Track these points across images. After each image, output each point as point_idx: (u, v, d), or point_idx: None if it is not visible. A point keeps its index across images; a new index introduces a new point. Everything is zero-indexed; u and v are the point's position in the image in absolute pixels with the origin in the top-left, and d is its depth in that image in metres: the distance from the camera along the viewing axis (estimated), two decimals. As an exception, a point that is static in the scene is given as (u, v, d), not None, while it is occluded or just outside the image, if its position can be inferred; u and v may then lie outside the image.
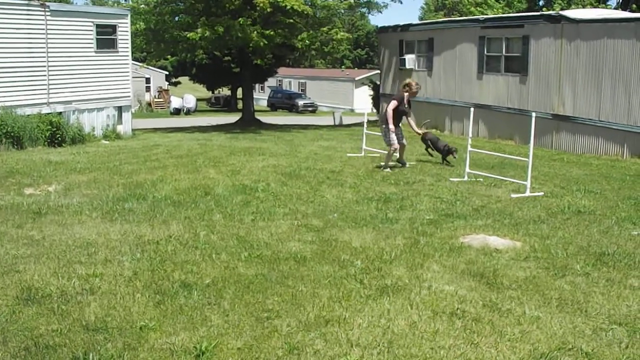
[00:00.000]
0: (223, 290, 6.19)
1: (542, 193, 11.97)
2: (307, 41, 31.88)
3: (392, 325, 5.44)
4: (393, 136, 14.09)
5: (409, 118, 14.79)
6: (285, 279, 6.57)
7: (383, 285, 6.40)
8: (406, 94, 14.36)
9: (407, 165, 14.64)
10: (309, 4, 31.51)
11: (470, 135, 13.71)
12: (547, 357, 4.97)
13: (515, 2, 47.19)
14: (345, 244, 7.94)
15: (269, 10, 28.61)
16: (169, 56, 47.99)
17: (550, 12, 23.96)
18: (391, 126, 14.03)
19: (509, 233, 8.75)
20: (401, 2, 33.41)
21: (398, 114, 14.26)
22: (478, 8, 47.32)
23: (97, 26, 25.14)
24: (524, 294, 6.34)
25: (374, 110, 35.63)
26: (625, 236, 8.96)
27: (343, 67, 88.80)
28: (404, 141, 14.66)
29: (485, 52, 25.13)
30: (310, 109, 68.33)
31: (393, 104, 14.16)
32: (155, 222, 8.92)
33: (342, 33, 33.78)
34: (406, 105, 14.43)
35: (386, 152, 14.56)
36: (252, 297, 6.04)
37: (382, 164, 14.42)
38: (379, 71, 34.41)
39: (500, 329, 5.45)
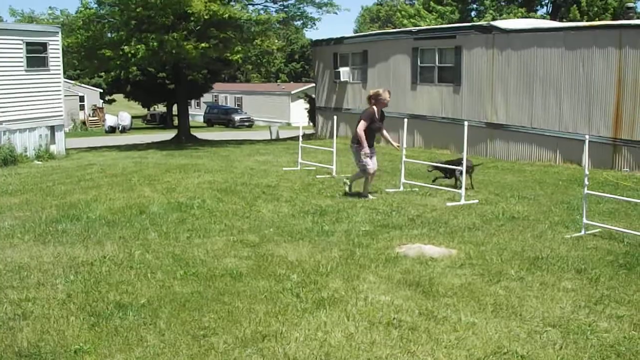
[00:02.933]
0: (159, 310, 6.11)
1: (477, 201, 12.12)
2: (241, 55, 31.76)
3: (329, 338, 5.44)
4: (367, 160, 12.07)
5: (384, 132, 12.54)
6: (221, 295, 6.51)
7: (319, 298, 6.38)
8: (375, 108, 12.15)
9: (370, 198, 12.23)
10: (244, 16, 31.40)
11: (405, 145, 13.76)
12: (483, 362, 5.02)
13: (447, 14, 47.83)
14: (282, 258, 7.91)
15: (205, 18, 28.31)
16: (102, 73, 47.45)
17: (482, 22, 24.40)
18: (365, 149, 11.98)
19: (444, 241, 8.83)
20: (336, 13, 33.40)
21: (371, 131, 12.18)
22: (411, 20, 47.85)
23: (27, 44, 24.63)
24: (459, 301, 6.40)
25: (311, 124, 35.69)
26: (558, 240, 9.14)
27: (279, 81, 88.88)
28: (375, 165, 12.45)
29: (419, 63, 25.38)
30: (246, 123, 68.16)
31: (362, 124, 11.99)
32: (90, 243, 8.76)
33: (277, 42, 33.74)
34: (378, 119, 12.23)
35: (362, 177, 12.54)
36: (188, 315, 5.97)
37: (361, 191, 12.39)
38: (314, 84, 34.51)
39: (436, 337, 5.49)
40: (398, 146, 13.09)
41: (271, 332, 5.56)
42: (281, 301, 6.34)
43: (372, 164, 12.20)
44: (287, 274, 7.24)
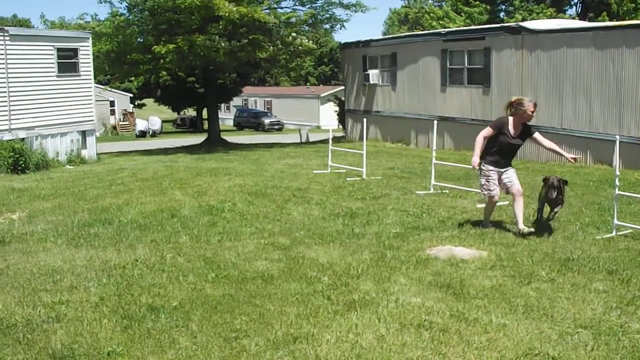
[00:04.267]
0: (191, 312, 6.16)
1: (507, 202, 12.04)
2: (270, 53, 31.79)
3: (360, 340, 5.45)
4: (483, 180, 9.75)
5: (545, 144, 9.91)
6: (252, 298, 6.55)
7: (350, 300, 6.40)
8: (512, 118, 9.57)
9: (489, 227, 9.84)
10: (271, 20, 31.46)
11: (435, 147, 13.76)
12: (514, 363, 5.02)
13: (476, 15, 47.65)
14: (312, 260, 7.94)
15: (236, 19, 28.42)
16: (133, 78, 47.81)
17: (510, 23, 24.31)
18: (473, 162, 9.70)
19: (475, 243, 8.83)
20: (363, 12, 33.29)
21: (501, 148, 9.62)
22: (440, 22, 47.74)
23: (58, 50, 24.94)
24: (490, 303, 6.40)
25: (340, 127, 35.69)
26: (589, 241, 9.09)
27: (308, 84, 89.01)
28: (513, 183, 9.72)
29: (448, 64, 25.30)
30: (276, 127, 68.35)
31: (484, 131, 9.77)
32: (121, 247, 8.86)
33: (307, 42, 33.74)
34: (513, 134, 9.55)
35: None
36: (220, 317, 6.02)
37: (484, 222, 10.06)
38: (343, 87, 34.55)
39: (467, 338, 5.49)
40: (573, 158, 10.36)
41: (302, 334, 5.59)
42: (312, 303, 6.37)
43: (492, 187, 9.67)
44: (318, 276, 7.28)
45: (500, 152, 9.62)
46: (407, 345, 5.36)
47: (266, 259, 8.07)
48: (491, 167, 9.61)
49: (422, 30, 40.44)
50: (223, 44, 28.85)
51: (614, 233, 9.49)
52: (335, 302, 6.40)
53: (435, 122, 13.98)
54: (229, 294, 6.68)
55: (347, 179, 14.95)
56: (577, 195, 13.21)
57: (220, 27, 29.36)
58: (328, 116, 56.41)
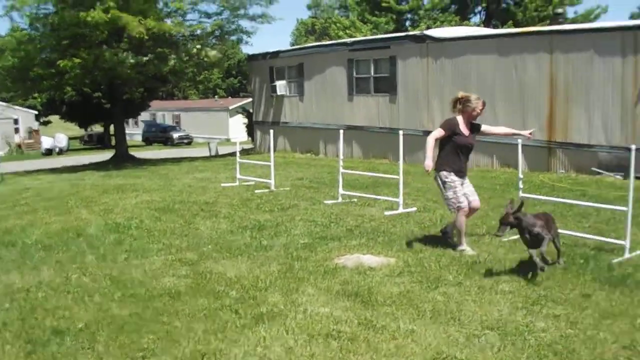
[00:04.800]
0: (97, 334, 6.00)
1: (415, 208, 12.23)
2: (175, 64, 31.43)
3: (269, 353, 5.41)
4: (450, 193, 8.97)
5: (495, 130, 9.91)
6: (159, 315, 6.43)
7: (258, 314, 6.35)
8: (461, 118, 9.05)
9: (467, 252, 8.83)
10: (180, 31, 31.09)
11: (342, 157, 13.80)
12: (423, 369, 5.05)
13: (382, 24, 48.26)
14: (220, 275, 7.85)
15: (145, 37, 27.99)
16: (37, 95, 46.61)
17: (415, 32, 24.69)
18: (426, 166, 8.92)
19: (383, 250, 8.88)
20: (269, 23, 33.18)
21: (456, 150, 9.00)
22: (347, 31, 48.16)
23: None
24: (398, 309, 6.43)
25: (250, 139, 35.59)
26: (495, 243, 9.24)
27: (217, 96, 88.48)
28: (474, 197, 9.22)
29: (355, 74, 25.53)
30: (185, 141, 67.69)
31: (435, 132, 9.06)
32: (25, 269, 8.57)
33: (213, 53, 33.44)
34: (467, 133, 9.04)
35: None
36: (127, 337, 5.88)
37: (458, 244, 9.06)
38: (252, 99, 34.45)
39: (375, 346, 5.50)
40: (531, 134, 9.74)
41: (210, 350, 5.51)
42: (220, 318, 6.28)
43: (462, 199, 8.97)
44: (226, 290, 7.19)
45: (459, 155, 8.99)
46: (315, 355, 5.33)
47: (173, 275, 7.94)
48: (456, 178, 8.94)
49: (329, 41, 40.62)
50: (131, 59, 28.39)
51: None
52: (243, 316, 6.33)
53: (342, 131, 14.00)
54: (136, 313, 6.54)
55: (256, 191, 14.89)
56: (484, 199, 13.35)
57: (126, 40, 28.91)
58: (237, 128, 56.14)
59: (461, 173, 9.05)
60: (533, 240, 7.57)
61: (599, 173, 17.91)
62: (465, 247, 8.92)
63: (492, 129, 9.70)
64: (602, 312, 6.37)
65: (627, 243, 8.68)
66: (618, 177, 16.60)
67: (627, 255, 8.55)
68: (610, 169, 17.66)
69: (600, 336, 5.74)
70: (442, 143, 8.98)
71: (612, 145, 17.94)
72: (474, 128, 9.14)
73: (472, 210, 9.18)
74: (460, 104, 9.01)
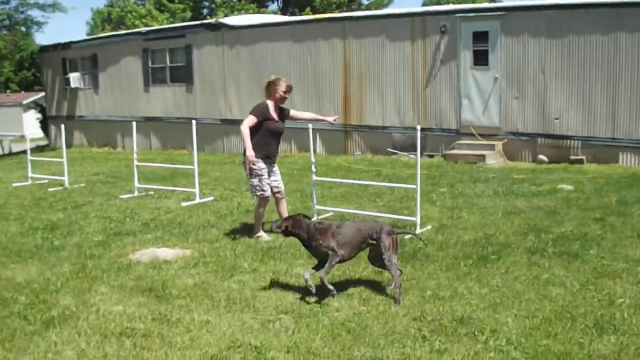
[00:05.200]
0: None
1: (212, 198, 12.23)
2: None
3: (60, 358, 5.23)
4: (256, 180, 8.97)
5: (303, 115, 10.08)
6: (-60, 331, 6.05)
7: (49, 318, 6.10)
8: (270, 102, 9.05)
9: (263, 238, 9.01)
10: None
11: (136, 149, 13.52)
12: (218, 358, 5.07)
13: (179, 12, 47.72)
14: (9, 280, 7.47)
15: None
16: None
17: (210, 20, 24.59)
18: (249, 154, 8.78)
19: (178, 242, 8.83)
20: (63, 12, 32.02)
21: (268, 136, 9.02)
22: (143, 20, 47.27)
23: None
24: (193, 301, 6.41)
25: (45, 135, 34.17)
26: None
27: (9, 91, 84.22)
28: (280, 187, 9.32)
29: (150, 64, 25.05)
30: (-25, 140, 64.19)
31: (247, 120, 8.90)
32: None
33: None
34: (277, 117, 9.08)
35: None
36: None
37: (255, 231, 9.18)
38: (45, 93, 33.04)
39: (170, 340, 5.45)
40: (334, 120, 10.01)
41: (-3, 362, 5.27)
42: (8, 326, 5.98)
43: (266, 187, 9.03)
44: (15, 296, 6.85)
45: (270, 140, 8.99)
46: (108, 356, 5.21)
47: (-46, 287, 7.50)
48: (263, 165, 8.91)
49: (125, 30, 39.64)
50: None
51: (315, 218, 9.90)
52: (33, 322, 6.07)
53: (134, 123, 13.68)
54: None
55: (49, 189, 14.30)
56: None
57: None
58: (32, 124, 53.82)
59: (270, 160, 9.07)
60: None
61: (393, 153, 18.64)
62: (261, 233, 9.05)
63: (300, 114, 9.81)
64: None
65: (417, 219, 9.09)
66: (412, 156, 17.33)
67: (418, 230, 8.96)
68: (405, 149, 18.42)
69: (392, 310, 5.98)
70: (252, 129, 8.84)
71: (405, 127, 18.71)
72: (283, 113, 9.17)
73: (279, 199, 9.29)
74: (270, 88, 9.03)
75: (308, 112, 10.43)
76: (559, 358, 4.85)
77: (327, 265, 6.39)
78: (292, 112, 9.42)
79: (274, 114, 8.98)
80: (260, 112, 8.91)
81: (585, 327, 5.41)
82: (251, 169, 8.87)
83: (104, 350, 5.33)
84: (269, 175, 9.07)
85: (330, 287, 6.33)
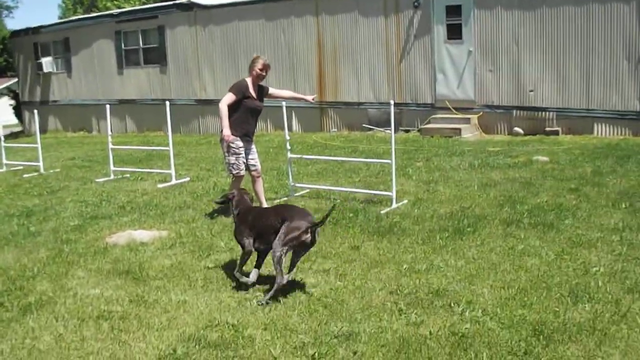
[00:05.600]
0: None
1: (189, 178, 12.21)
2: None
3: (38, 344, 5.21)
4: (232, 158, 8.90)
5: (281, 93, 9.99)
6: None
7: (26, 304, 6.08)
8: (249, 79, 9.01)
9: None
10: None
11: (110, 132, 13.48)
12: (195, 337, 5.07)
13: (151, -8, 47.25)
14: (-16, 268, 7.45)
15: None
16: None
17: (183, 0, 24.36)
18: (225, 131, 8.66)
19: (155, 224, 8.82)
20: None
21: (245, 113, 8.93)
22: (115, 2, 46.80)
23: None
24: (170, 282, 6.41)
25: (19, 121, 33.86)
26: (268, 205, 9.38)
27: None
28: (257, 165, 9.27)
29: (123, 46, 24.88)
30: (-51, 128, 63.47)
31: (226, 97, 8.76)
32: None
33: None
34: (255, 95, 9.05)
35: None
36: None
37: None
38: (17, 78, 32.71)
39: (147, 321, 5.46)
40: (313, 99, 9.97)
41: (-25, 348, 5.24)
42: (-15, 314, 5.98)
43: (242, 166, 8.97)
44: (-8, 284, 6.84)
45: (249, 118, 8.93)
46: (86, 339, 5.21)
47: None
48: (240, 144, 8.83)
49: (97, 12, 39.21)
50: None
51: (291, 195, 9.93)
52: (9, 308, 6.04)
53: (108, 106, 13.59)
54: None
55: (24, 175, 14.19)
56: (257, 163, 13.63)
57: None
58: (5, 111, 53.33)
59: (248, 137, 9.02)
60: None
61: (369, 129, 18.65)
62: None
63: (279, 92, 9.75)
64: (370, 261, 6.69)
65: (393, 194, 9.13)
66: (387, 131, 17.33)
67: (394, 205, 9.01)
68: (381, 125, 18.44)
69: (369, 285, 6.01)
70: (230, 107, 8.72)
71: (380, 102, 18.73)
72: (262, 91, 9.12)
73: (255, 178, 9.22)
74: (254, 64, 8.94)
75: (287, 90, 10.31)
76: (534, 327, 4.89)
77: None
78: (271, 90, 9.39)
79: (252, 92, 8.91)
80: (239, 89, 8.82)
81: (561, 296, 5.47)
82: (229, 147, 8.79)
83: (81, 333, 5.32)
84: (247, 154, 9.00)
85: (245, 279, 6.14)
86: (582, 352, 4.51)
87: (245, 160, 8.98)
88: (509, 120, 16.85)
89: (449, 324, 5.05)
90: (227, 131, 8.60)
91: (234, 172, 8.90)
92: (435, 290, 5.76)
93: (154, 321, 5.45)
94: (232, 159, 8.85)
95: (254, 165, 9.16)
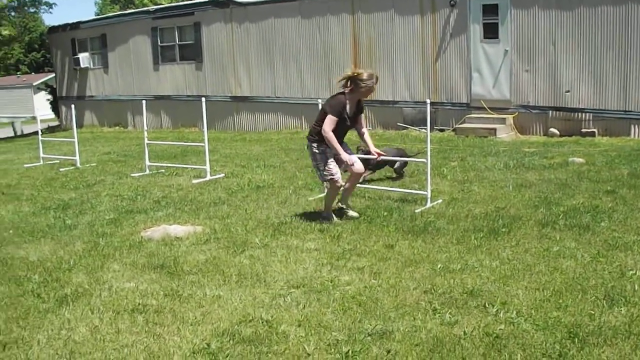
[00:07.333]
0: None
1: (223, 174, 12.26)
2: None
3: (74, 335, 5.26)
4: (331, 165, 8.23)
5: (363, 131, 8.62)
6: (-45, 309, 6.11)
7: (62, 295, 6.15)
8: (349, 97, 8.13)
9: (353, 215, 8.64)
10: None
11: (146, 127, 13.60)
12: (229, 332, 5.08)
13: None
14: (22, 259, 7.52)
15: None
16: None
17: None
18: (317, 148, 8.24)
19: (190, 219, 8.86)
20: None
21: (340, 130, 8.16)
22: (152, -1, 47.13)
23: None
24: (204, 276, 6.44)
25: (55, 116, 34.21)
26: (302, 203, 9.44)
27: (19, 72, 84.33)
28: (366, 171, 9.25)
29: (159, 42, 25.06)
30: (-14, 122, 64.23)
31: (329, 122, 7.96)
32: None
33: (7, 29, 31.73)
34: (348, 115, 8.17)
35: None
36: None
37: (321, 210, 8.76)
38: (55, 74, 33.06)
39: (182, 315, 5.48)
40: (378, 156, 8.68)
41: (12, 339, 5.28)
42: (22, 305, 6.03)
43: (333, 169, 8.26)
44: (28, 275, 6.89)
45: (339, 132, 8.14)
46: (121, 332, 5.25)
47: (-30, 266, 7.55)
48: (328, 149, 8.15)
49: (134, 9, 39.52)
50: None
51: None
52: (46, 299, 6.11)
53: (144, 102, 13.74)
54: None
55: (61, 169, 14.36)
56: (292, 160, 13.70)
57: None
58: (43, 105, 53.89)
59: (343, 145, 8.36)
60: None
61: (404, 128, 18.61)
62: (330, 214, 8.52)
63: (362, 127, 8.61)
64: (404, 260, 6.66)
65: (428, 193, 9.10)
66: (423, 130, 17.29)
67: (428, 204, 8.98)
68: (415, 124, 18.42)
69: (403, 284, 5.99)
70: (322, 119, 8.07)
71: (415, 101, 18.69)
72: (358, 109, 8.34)
73: (356, 175, 8.61)
74: (353, 82, 8.05)
75: (366, 130, 8.72)
76: (569, 330, 4.85)
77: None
78: (362, 118, 8.53)
79: (349, 110, 8.14)
80: (337, 112, 8.02)
81: (596, 299, 5.41)
82: (314, 154, 8.28)
83: (116, 326, 5.36)
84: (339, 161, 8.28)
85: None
86: (617, 356, 4.46)
87: (336, 164, 8.28)
88: (544, 121, 16.73)
89: (483, 325, 5.01)
90: (345, 155, 8.10)
91: (328, 178, 8.29)
92: (469, 290, 5.73)
93: (188, 315, 5.47)
94: (322, 165, 8.27)
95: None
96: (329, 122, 7.93)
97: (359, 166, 8.40)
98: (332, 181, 8.25)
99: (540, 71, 16.71)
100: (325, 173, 8.25)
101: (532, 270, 6.17)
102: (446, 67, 18.22)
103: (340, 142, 8.18)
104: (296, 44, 20.67)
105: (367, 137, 8.58)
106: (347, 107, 8.08)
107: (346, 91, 8.09)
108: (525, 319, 5.08)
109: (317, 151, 8.23)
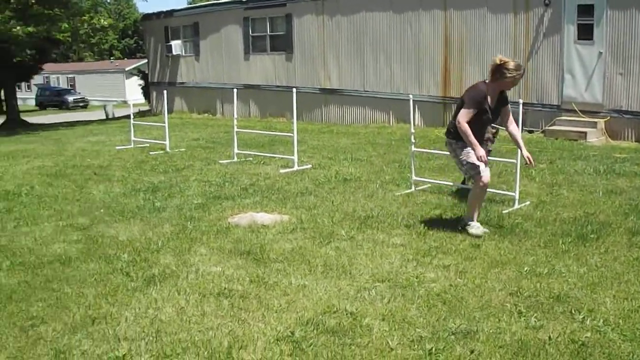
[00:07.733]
0: (-17, 305, 5.83)
1: (310, 165, 12.31)
2: (69, 33, 30.38)
3: (160, 314, 5.38)
4: (474, 159, 7.42)
5: (512, 128, 7.89)
6: (49, 282, 6.28)
7: (150, 275, 6.30)
8: (489, 87, 7.50)
9: (477, 232, 7.58)
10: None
11: (236, 116, 13.77)
12: (313, 322, 5.11)
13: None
14: (112, 238, 7.73)
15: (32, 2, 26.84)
16: None
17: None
18: (475, 147, 7.35)
19: (276, 208, 8.95)
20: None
21: (479, 124, 7.51)
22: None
23: None
24: (290, 265, 6.49)
25: (146, 101, 34.96)
26: (389, 198, 9.43)
27: (112, 58, 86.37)
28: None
29: (251, 32, 25.34)
30: (81, 104, 65.73)
31: (465, 114, 7.38)
32: None
33: (106, 20, 32.45)
34: (490, 107, 7.53)
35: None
36: (15, 306, 5.73)
37: (466, 218, 7.82)
38: (147, 60, 33.77)
39: (267, 302, 5.54)
40: (528, 164, 7.81)
41: (101, 314, 5.44)
42: (111, 282, 6.20)
43: (486, 170, 7.54)
44: (118, 254, 7.08)
45: (480, 127, 7.57)
46: (206, 314, 5.34)
47: (64, 241, 7.76)
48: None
49: (227, -1, 39.97)
50: (19, 29, 27.17)
51: (412, 188, 9.87)
52: (134, 278, 6.27)
53: (235, 90, 13.91)
54: (25, 281, 6.37)
55: (150, 153, 14.68)
56: (379, 154, 13.68)
57: (13, 5, 27.71)
58: (134, 90, 55.06)
59: (484, 145, 8.04)
60: None
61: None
62: (475, 223, 7.72)
63: (511, 123, 7.93)
64: (491, 261, 6.59)
65: (516, 194, 8.98)
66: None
67: (516, 206, 8.86)
68: (503, 123, 18.12)
69: (488, 284, 5.92)
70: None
71: (504, 100, 18.40)
72: (501, 101, 7.69)
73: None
74: (498, 72, 7.38)
75: (516, 127, 8.00)
76: (658, 342, 4.73)
77: None
78: (508, 107, 7.84)
79: (490, 102, 7.52)
80: (477, 103, 7.41)
81: (688, 312, 5.26)
82: (454, 150, 7.69)
83: (202, 309, 5.46)
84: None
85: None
86: None
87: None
88: (637, 126, 16.27)
89: (569, 331, 4.92)
90: (479, 151, 7.34)
91: (473, 172, 7.58)
92: (556, 295, 5.62)
93: (273, 303, 5.53)
94: (464, 159, 7.59)
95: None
96: (464, 114, 7.33)
97: (486, 175, 7.56)
98: (477, 177, 7.53)
99: (634, 75, 16.23)
100: (467, 167, 7.58)
101: (621, 279, 6.02)
102: (538, 67, 17.87)
103: (480, 142, 7.46)
104: (387, 38, 20.61)
105: (517, 134, 7.90)
106: (488, 98, 7.48)
107: (487, 80, 7.51)
108: (612, 328, 4.96)
109: (456, 146, 7.61)
